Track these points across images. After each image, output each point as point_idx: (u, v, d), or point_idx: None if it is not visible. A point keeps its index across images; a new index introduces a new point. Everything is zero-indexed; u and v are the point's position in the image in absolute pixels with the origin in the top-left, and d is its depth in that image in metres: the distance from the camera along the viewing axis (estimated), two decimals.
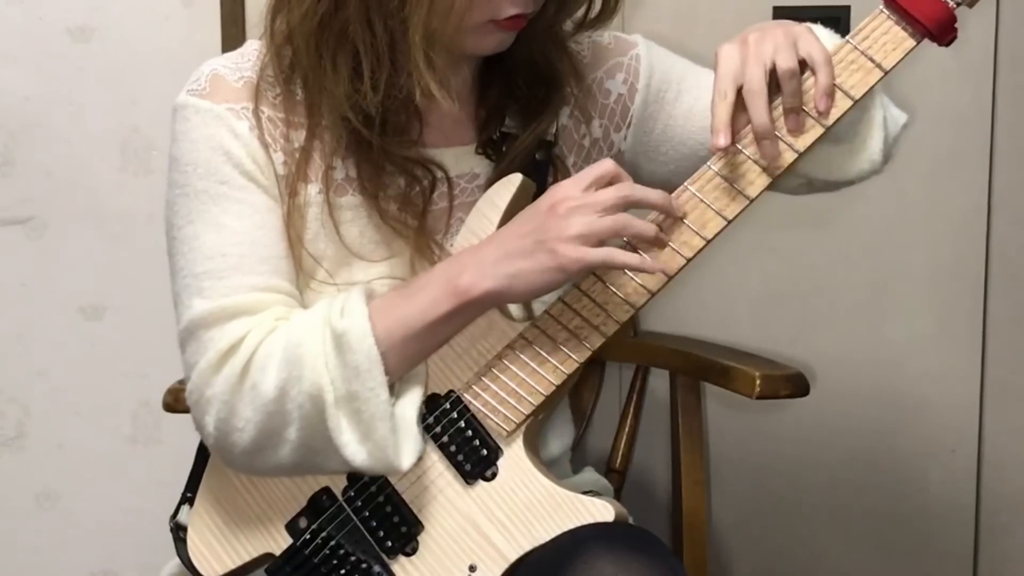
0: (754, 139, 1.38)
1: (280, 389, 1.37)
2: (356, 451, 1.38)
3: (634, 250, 1.39)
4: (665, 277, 1.40)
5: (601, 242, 1.35)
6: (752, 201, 1.39)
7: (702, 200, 1.39)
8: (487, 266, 1.38)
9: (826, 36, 1.45)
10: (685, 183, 1.40)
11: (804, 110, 1.38)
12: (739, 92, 1.37)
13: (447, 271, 1.40)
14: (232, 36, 2.15)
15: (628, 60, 1.58)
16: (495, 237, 1.40)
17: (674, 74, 1.58)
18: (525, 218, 1.39)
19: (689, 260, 1.39)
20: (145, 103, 2.17)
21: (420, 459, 1.43)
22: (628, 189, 1.37)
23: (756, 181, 1.39)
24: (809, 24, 1.44)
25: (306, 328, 1.39)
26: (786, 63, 1.36)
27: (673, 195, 1.39)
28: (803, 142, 1.39)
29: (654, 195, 1.38)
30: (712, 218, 1.39)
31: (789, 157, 1.39)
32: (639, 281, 1.40)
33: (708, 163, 1.40)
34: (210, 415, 1.40)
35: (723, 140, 1.36)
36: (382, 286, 1.46)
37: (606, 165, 1.38)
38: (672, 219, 1.39)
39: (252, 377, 1.38)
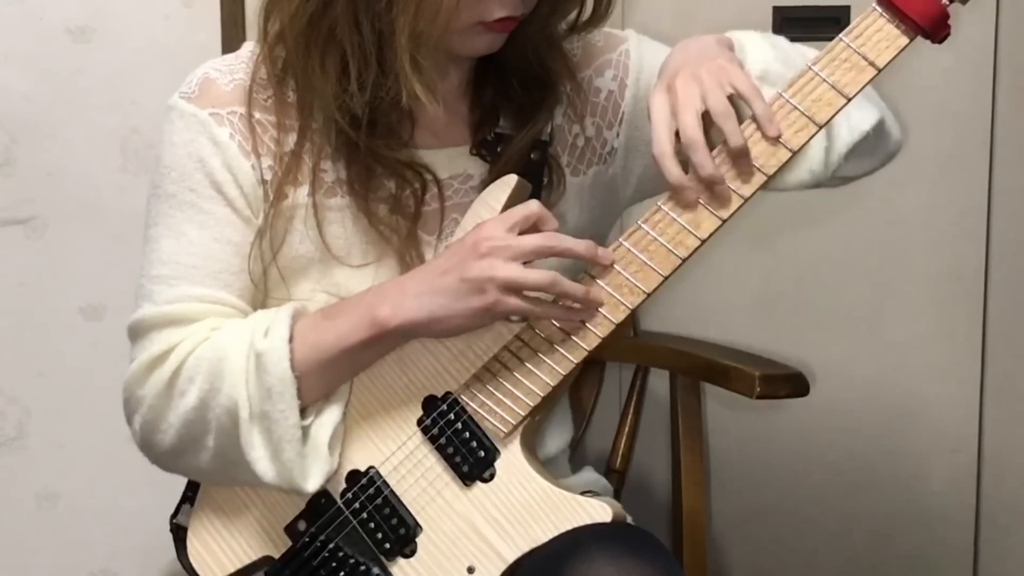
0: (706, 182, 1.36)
1: (202, 400, 1.41)
2: (266, 468, 1.41)
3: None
4: (654, 284, 1.39)
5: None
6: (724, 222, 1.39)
7: (637, 255, 1.39)
8: (408, 298, 1.39)
9: (755, 45, 1.45)
10: (638, 222, 1.39)
11: (765, 139, 1.37)
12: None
13: (369, 299, 1.41)
14: (232, 36, 2.15)
15: (617, 56, 1.58)
16: (418, 271, 1.42)
17: None
18: (448, 254, 1.40)
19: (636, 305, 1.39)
20: (145, 103, 2.17)
21: (418, 460, 1.44)
22: (552, 240, 1.37)
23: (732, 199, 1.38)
24: (732, 40, 1.44)
25: (232, 343, 1.42)
26: (718, 104, 1.35)
27: (612, 247, 1.39)
28: (772, 165, 1.38)
29: (578, 246, 1.38)
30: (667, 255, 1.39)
31: (758, 180, 1.38)
32: (635, 282, 1.39)
33: (658, 202, 1.39)
34: (138, 414, 1.45)
35: (690, 195, 1.36)
36: (314, 304, 1.47)
37: (531, 207, 1.38)
38: (602, 268, 1.39)
39: (179, 386, 1.42)
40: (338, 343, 1.41)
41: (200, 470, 1.47)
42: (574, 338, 1.41)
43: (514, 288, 1.36)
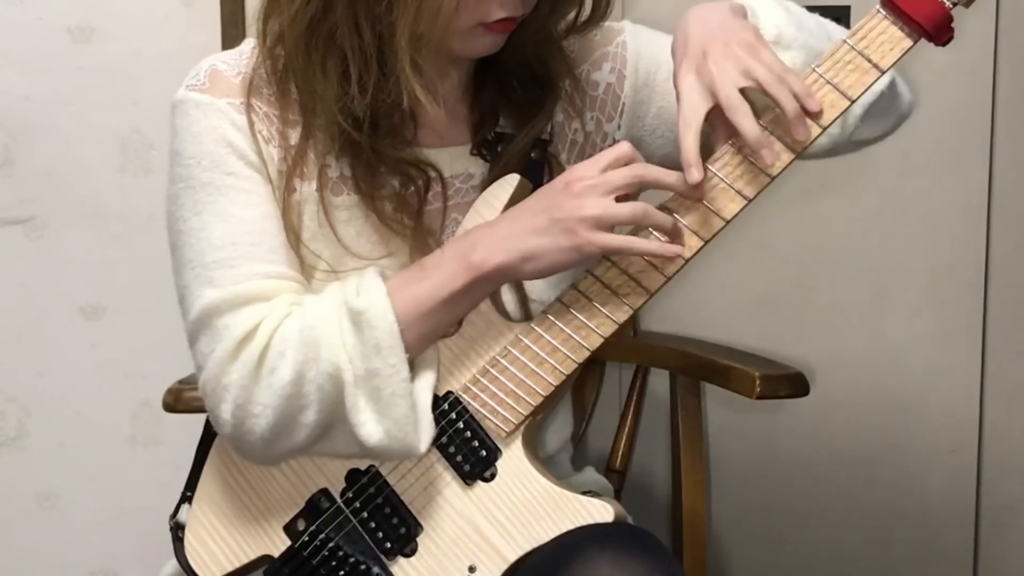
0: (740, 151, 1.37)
1: (297, 372, 1.37)
2: (373, 430, 1.38)
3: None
4: (671, 271, 1.39)
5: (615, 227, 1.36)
6: (750, 201, 1.39)
7: (722, 179, 1.38)
8: (500, 240, 1.38)
9: (768, 9, 1.45)
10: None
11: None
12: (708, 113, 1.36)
13: (460, 247, 1.40)
14: (232, 36, 2.15)
15: (614, 49, 1.57)
16: (509, 214, 1.41)
17: (664, 54, 1.54)
18: (540, 196, 1.39)
19: (693, 255, 1.39)
20: (145, 103, 2.18)
21: (420, 459, 1.44)
22: (642, 169, 1.37)
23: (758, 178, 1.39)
24: (745, 6, 1.43)
25: (321, 310, 1.39)
26: (767, 75, 1.35)
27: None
28: (776, 167, 1.38)
29: (669, 176, 1.38)
30: (718, 211, 1.39)
31: (787, 157, 1.39)
32: (637, 281, 1.40)
33: (663, 202, 1.39)
34: (227, 403, 1.39)
35: (696, 174, 1.36)
36: (388, 271, 1.45)
37: (623, 148, 1.38)
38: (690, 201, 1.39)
39: (270, 363, 1.38)
40: (436, 292, 1.39)
41: (293, 450, 1.41)
42: (576, 337, 1.41)
43: (604, 224, 1.35)
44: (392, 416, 1.38)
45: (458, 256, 1.39)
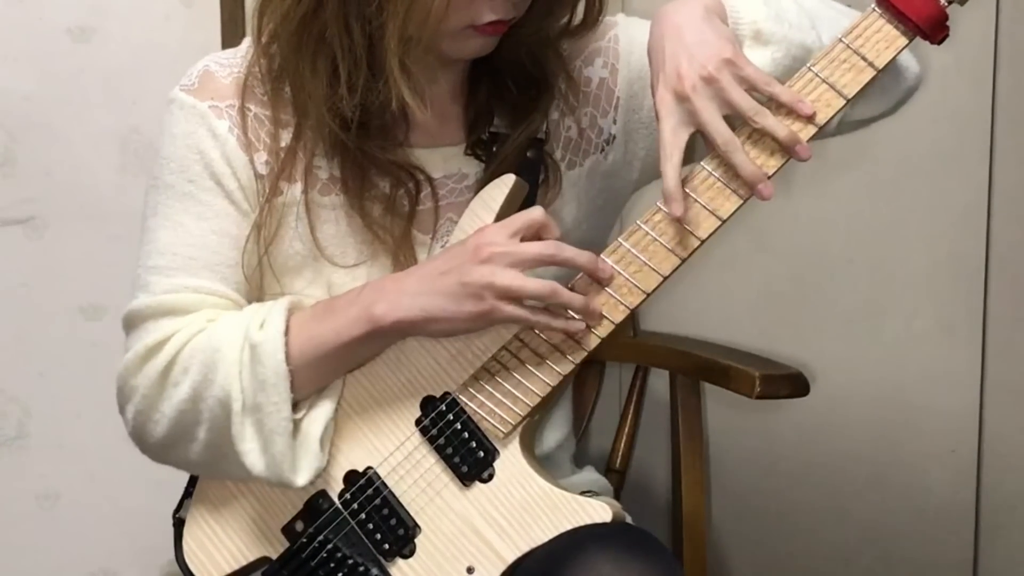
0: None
1: (195, 391, 1.41)
2: (256, 460, 1.41)
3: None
4: (654, 284, 1.39)
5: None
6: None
7: (637, 255, 1.39)
8: (405, 297, 1.39)
9: (746, 3, 1.42)
10: (637, 222, 1.40)
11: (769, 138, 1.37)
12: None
13: (366, 295, 1.41)
14: (232, 36, 2.15)
15: (606, 44, 1.56)
16: (417, 269, 1.42)
17: None
18: (448, 255, 1.40)
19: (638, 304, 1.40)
20: (145, 103, 2.17)
21: (417, 460, 1.44)
22: (554, 248, 1.37)
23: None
24: (722, 3, 1.41)
25: (227, 334, 1.42)
26: (747, 105, 1.34)
27: (607, 250, 1.40)
28: (771, 166, 1.37)
29: (580, 258, 1.38)
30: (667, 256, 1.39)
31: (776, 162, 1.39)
32: (635, 282, 1.39)
33: (657, 203, 1.39)
34: (131, 404, 1.45)
35: (678, 209, 1.35)
36: (308, 302, 1.47)
37: (534, 214, 1.38)
38: (598, 283, 1.39)
39: (174, 376, 1.42)
40: (333, 338, 1.41)
41: (190, 462, 1.47)
42: (574, 339, 1.41)
43: (513, 296, 1.36)
44: (271, 451, 1.41)
45: (362, 305, 1.40)
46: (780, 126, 1.35)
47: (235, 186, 1.47)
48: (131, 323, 1.47)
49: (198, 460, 1.45)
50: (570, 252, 1.38)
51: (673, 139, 1.35)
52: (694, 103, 1.34)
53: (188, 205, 1.47)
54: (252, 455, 1.41)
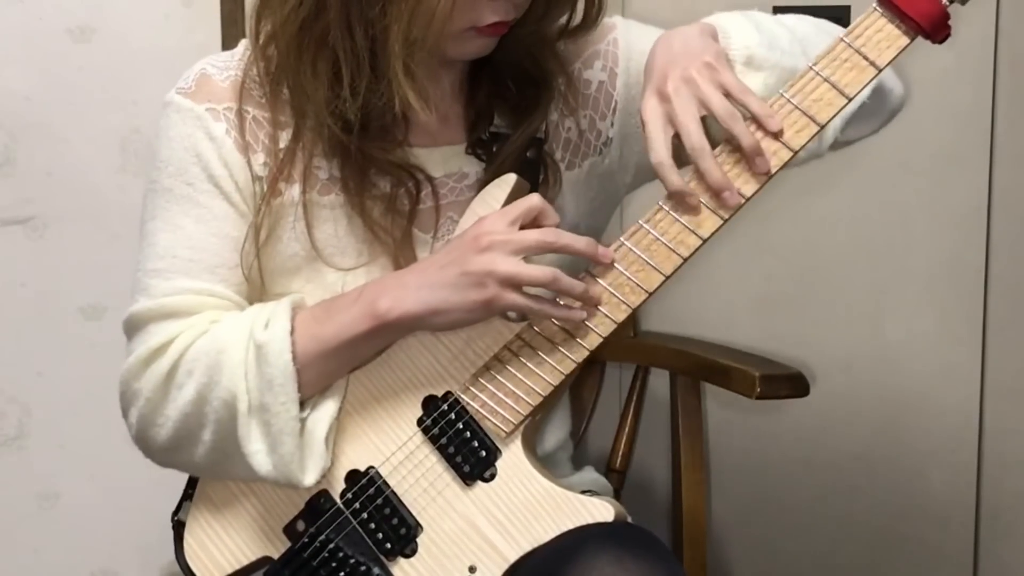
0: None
1: (199, 393, 1.41)
2: (263, 461, 1.41)
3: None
4: (655, 283, 1.39)
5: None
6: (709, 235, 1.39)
7: (639, 255, 1.39)
8: (408, 291, 1.39)
9: (739, 30, 1.44)
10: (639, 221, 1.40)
11: (767, 138, 1.37)
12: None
13: (369, 292, 1.41)
14: (232, 36, 2.15)
15: (605, 47, 1.57)
16: (419, 265, 1.42)
17: None
18: (449, 248, 1.40)
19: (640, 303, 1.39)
20: (145, 103, 2.17)
21: (419, 460, 1.44)
22: (553, 235, 1.37)
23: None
24: (715, 27, 1.43)
25: (232, 335, 1.42)
26: (721, 108, 1.35)
27: (614, 246, 1.40)
28: (773, 165, 1.38)
29: (579, 243, 1.38)
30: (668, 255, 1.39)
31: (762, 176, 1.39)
32: (636, 281, 1.40)
33: (659, 202, 1.40)
34: (135, 408, 1.44)
35: (693, 200, 1.37)
36: (309, 300, 1.47)
37: (532, 201, 1.39)
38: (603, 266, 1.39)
39: (178, 379, 1.42)
40: (338, 335, 1.41)
41: (195, 465, 1.47)
42: (575, 337, 1.41)
43: (514, 283, 1.36)
44: (279, 451, 1.41)
45: (365, 301, 1.40)
46: (746, 133, 1.35)
47: (233, 188, 1.47)
48: (133, 326, 1.46)
49: (203, 463, 1.45)
50: (569, 238, 1.38)
51: (658, 145, 1.36)
52: (673, 103, 1.36)
53: (186, 208, 1.46)
54: (259, 456, 1.41)
